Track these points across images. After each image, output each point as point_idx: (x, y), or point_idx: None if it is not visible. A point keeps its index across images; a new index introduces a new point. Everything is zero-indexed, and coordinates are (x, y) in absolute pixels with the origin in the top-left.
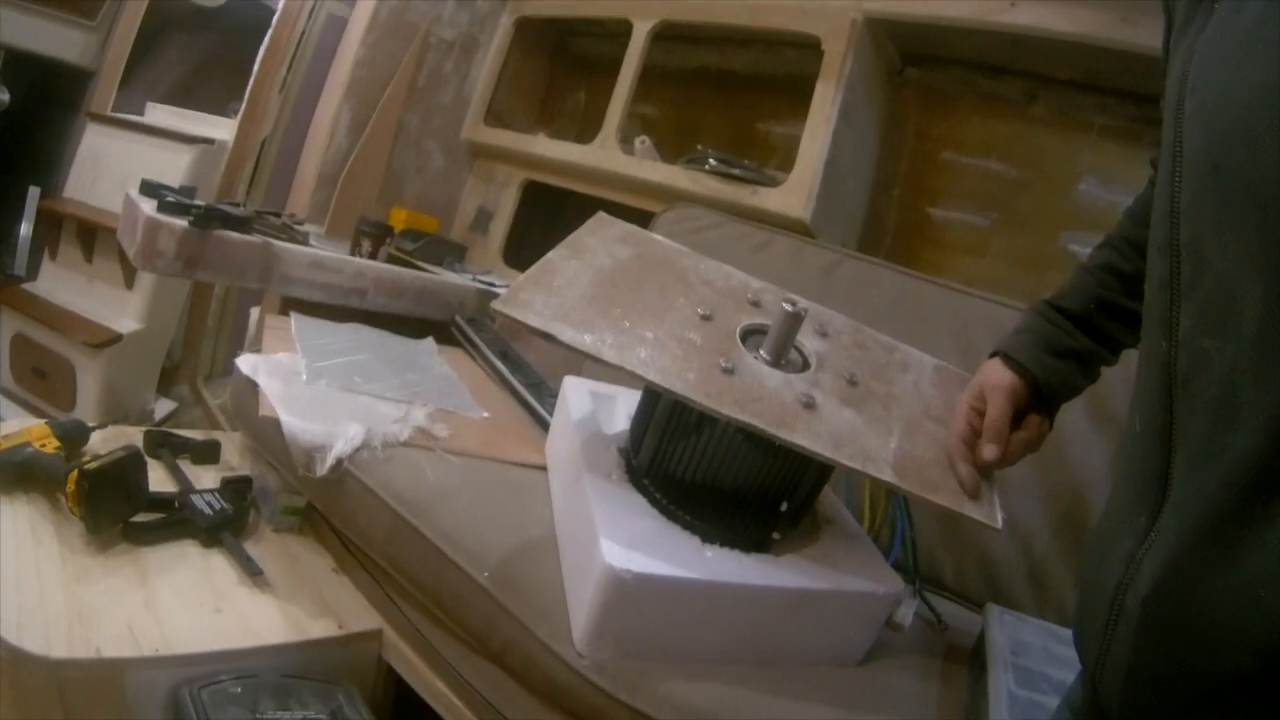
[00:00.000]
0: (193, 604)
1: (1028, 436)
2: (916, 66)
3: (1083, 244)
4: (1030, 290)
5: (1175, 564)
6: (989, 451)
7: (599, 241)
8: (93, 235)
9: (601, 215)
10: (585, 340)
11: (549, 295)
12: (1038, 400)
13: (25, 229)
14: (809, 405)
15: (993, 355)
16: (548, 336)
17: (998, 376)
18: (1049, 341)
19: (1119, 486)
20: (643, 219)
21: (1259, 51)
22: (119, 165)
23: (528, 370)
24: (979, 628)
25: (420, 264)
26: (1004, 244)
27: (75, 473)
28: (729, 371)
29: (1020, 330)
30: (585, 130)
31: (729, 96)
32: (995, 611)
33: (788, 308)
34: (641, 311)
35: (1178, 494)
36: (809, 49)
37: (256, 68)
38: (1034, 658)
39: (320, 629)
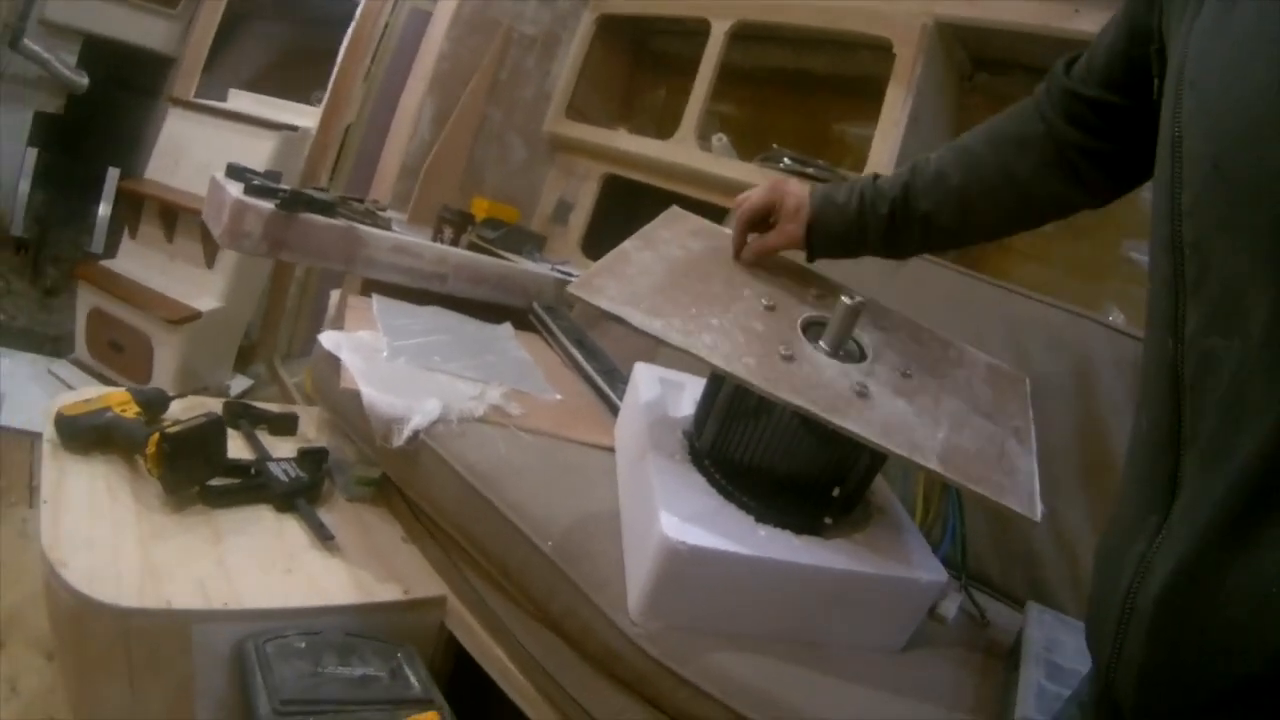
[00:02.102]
0: (264, 564)
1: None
2: (987, 72)
3: (1143, 251)
4: (1090, 297)
5: (1186, 564)
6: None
7: (672, 234)
8: (174, 216)
9: (675, 209)
10: (654, 324)
11: (621, 282)
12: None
13: (104, 208)
14: (862, 394)
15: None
16: (619, 320)
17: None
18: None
19: (1128, 486)
20: (718, 214)
21: (1261, 49)
22: (201, 150)
23: (602, 357)
24: (1020, 626)
25: (500, 252)
26: (1066, 250)
27: (156, 435)
28: (788, 359)
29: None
30: (664, 127)
31: (804, 97)
32: (1035, 610)
33: (847, 301)
34: (709, 300)
35: (1187, 494)
36: (882, 52)
37: (340, 58)
38: (1067, 655)
39: (386, 593)
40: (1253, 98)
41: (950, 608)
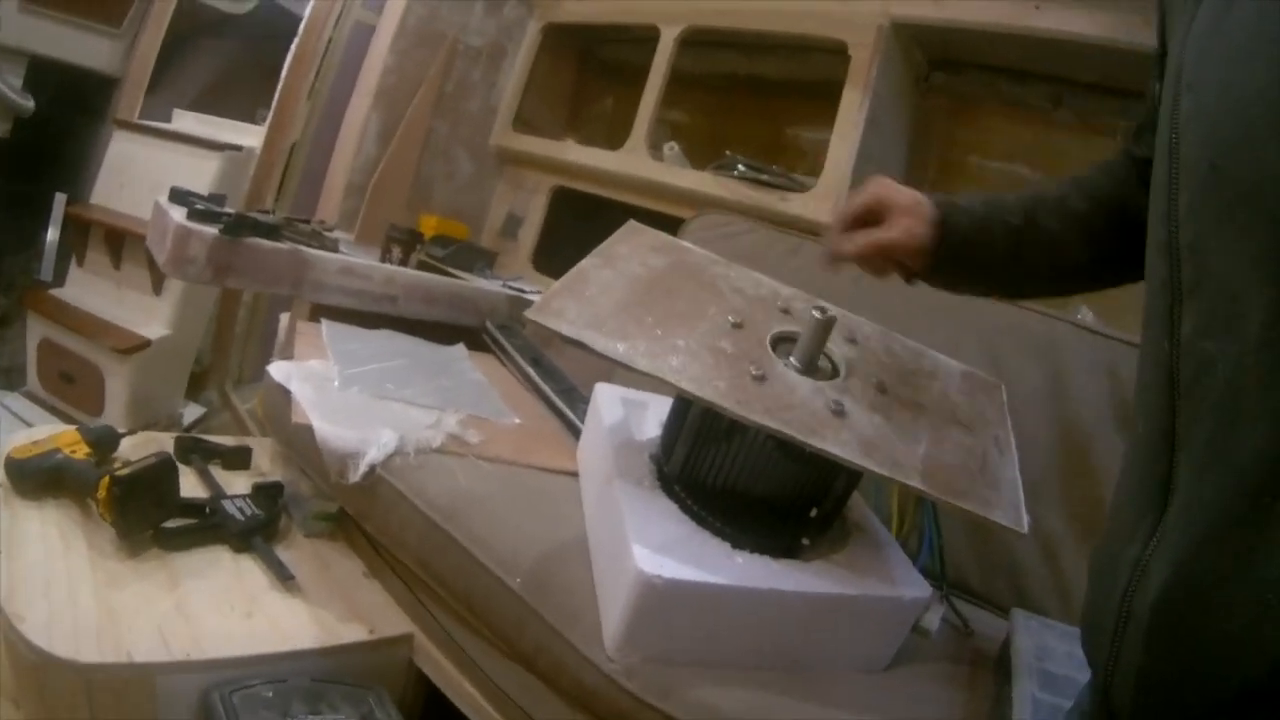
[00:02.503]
0: (224, 608)
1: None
2: (943, 72)
3: None
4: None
5: (1183, 569)
6: (847, 245)
7: (631, 250)
8: (120, 241)
9: (633, 224)
10: (618, 349)
11: (581, 304)
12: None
13: (52, 235)
14: (838, 412)
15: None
16: (581, 345)
17: (916, 221)
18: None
19: (1124, 489)
20: (671, 225)
21: (1260, 51)
22: (146, 172)
23: (559, 376)
24: (1005, 633)
25: (450, 270)
26: None
27: (107, 479)
28: (760, 379)
29: (983, 200)
30: (613, 136)
31: (758, 102)
32: (1020, 617)
33: (817, 315)
34: (673, 319)
35: (1183, 497)
36: (838, 54)
37: (284, 74)
38: (1058, 662)
39: (351, 633)
40: (1250, 99)
41: (933, 620)
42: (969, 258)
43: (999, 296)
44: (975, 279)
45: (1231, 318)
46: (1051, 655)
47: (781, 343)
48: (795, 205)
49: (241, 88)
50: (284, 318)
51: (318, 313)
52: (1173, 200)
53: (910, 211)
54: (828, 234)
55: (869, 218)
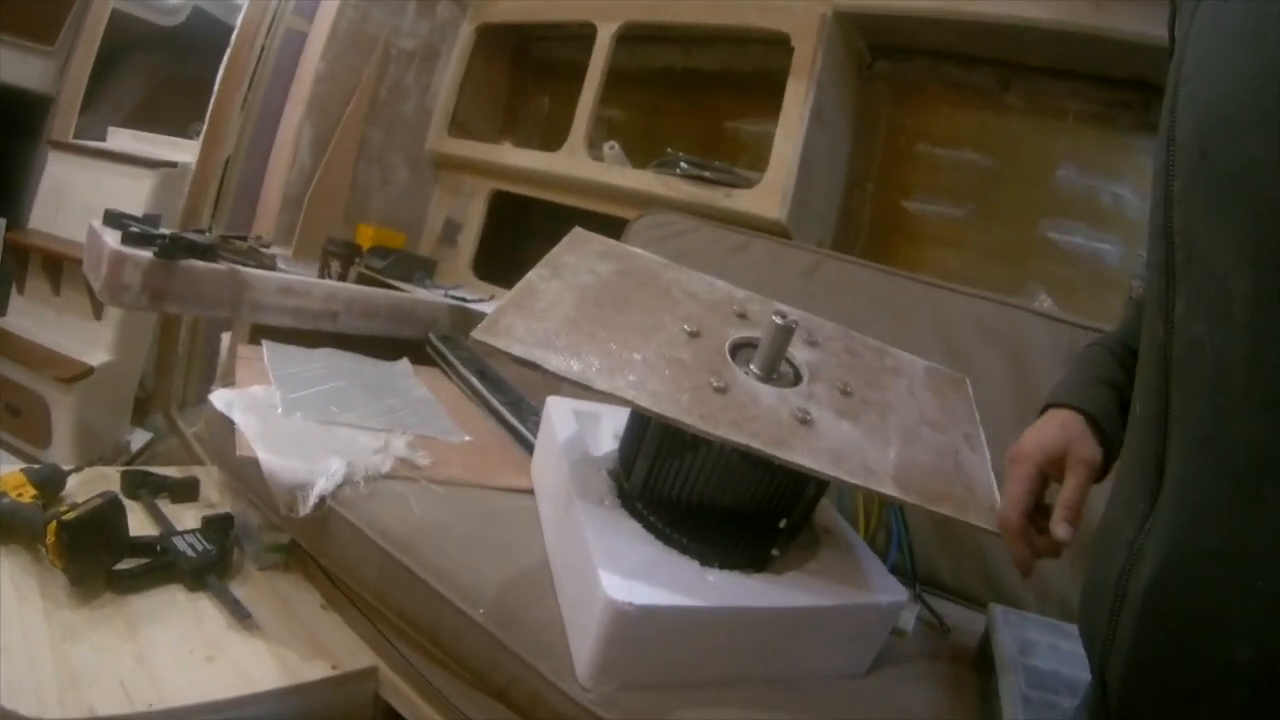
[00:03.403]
0: (183, 654)
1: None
2: (886, 59)
3: (1061, 231)
4: (1010, 281)
5: (1175, 550)
6: (1063, 531)
7: (578, 259)
8: (59, 267)
9: (579, 231)
10: (573, 368)
11: (530, 319)
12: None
13: None
14: (805, 421)
15: (1062, 405)
16: (533, 366)
17: (1088, 448)
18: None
19: (1122, 471)
20: (614, 226)
21: (1245, 38)
22: (82, 194)
23: (506, 388)
24: (981, 627)
25: (391, 282)
26: (981, 235)
27: (54, 524)
28: (721, 390)
29: (1098, 381)
30: (550, 137)
31: (696, 96)
32: (998, 611)
33: (778, 320)
34: (628, 332)
35: (1173, 478)
36: (776, 45)
37: (217, 87)
38: (1042, 656)
39: (314, 671)
40: (1236, 87)
41: (909, 619)
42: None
43: None
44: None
45: (1219, 301)
46: (1034, 649)
47: (741, 349)
48: (741, 201)
49: (175, 102)
50: (225, 337)
51: (259, 332)
52: (1169, 186)
53: (1067, 443)
54: (1012, 540)
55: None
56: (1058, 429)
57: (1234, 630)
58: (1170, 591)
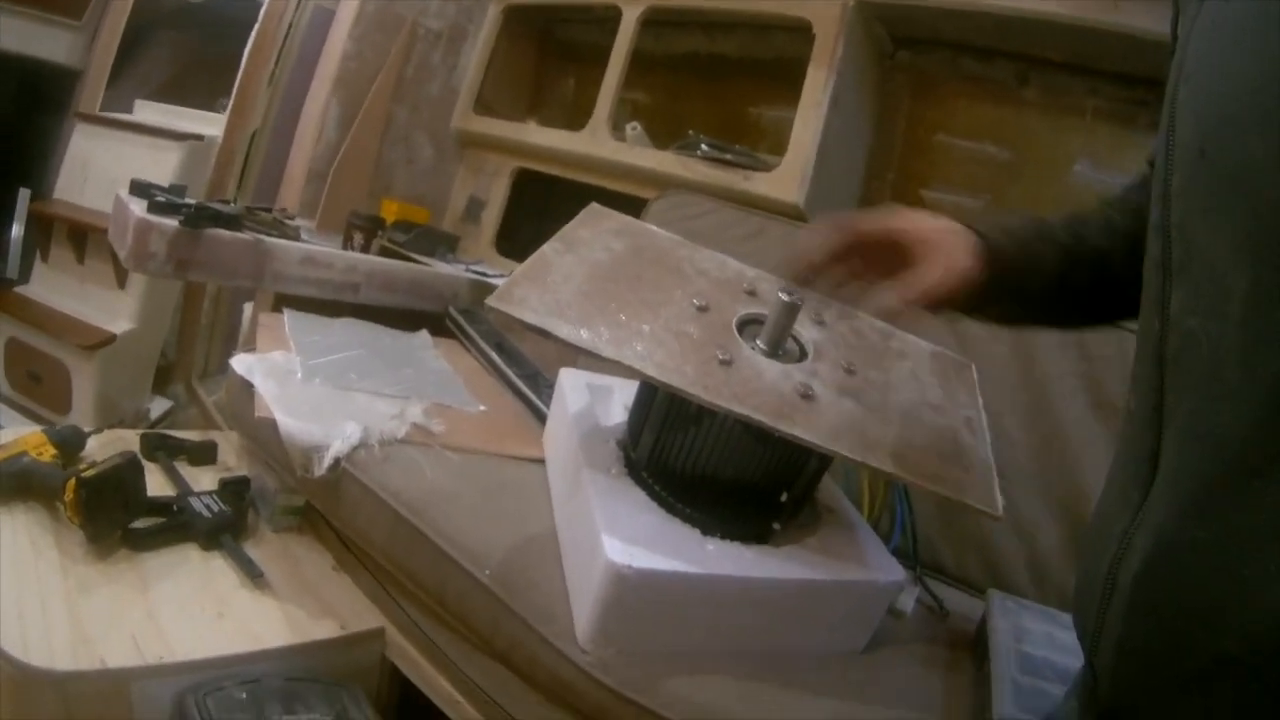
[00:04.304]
0: (194, 610)
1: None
2: (908, 50)
3: None
4: None
5: (1164, 541)
6: (889, 298)
7: (593, 234)
8: (84, 237)
9: (594, 207)
10: (582, 335)
11: (543, 291)
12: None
13: (17, 231)
14: (807, 396)
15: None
16: (544, 333)
17: (958, 253)
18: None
19: (1115, 466)
20: (635, 206)
21: (1246, 38)
22: (108, 165)
23: (523, 361)
24: (980, 613)
25: (413, 256)
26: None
27: (73, 481)
28: (726, 363)
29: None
30: (575, 117)
31: (718, 81)
32: (997, 598)
33: (784, 298)
34: (637, 305)
35: (1166, 471)
36: (798, 32)
37: (244, 61)
38: (1037, 644)
39: (322, 630)
40: (1236, 87)
41: (908, 601)
42: (1018, 287)
43: (1039, 327)
44: (1024, 311)
45: (1215, 296)
46: (1029, 637)
47: (748, 325)
48: (759, 185)
49: (203, 77)
50: (248, 308)
51: (281, 302)
52: (1167, 182)
53: (942, 245)
54: (806, 270)
55: (888, 256)
56: (935, 227)
57: (1223, 621)
58: (1160, 581)
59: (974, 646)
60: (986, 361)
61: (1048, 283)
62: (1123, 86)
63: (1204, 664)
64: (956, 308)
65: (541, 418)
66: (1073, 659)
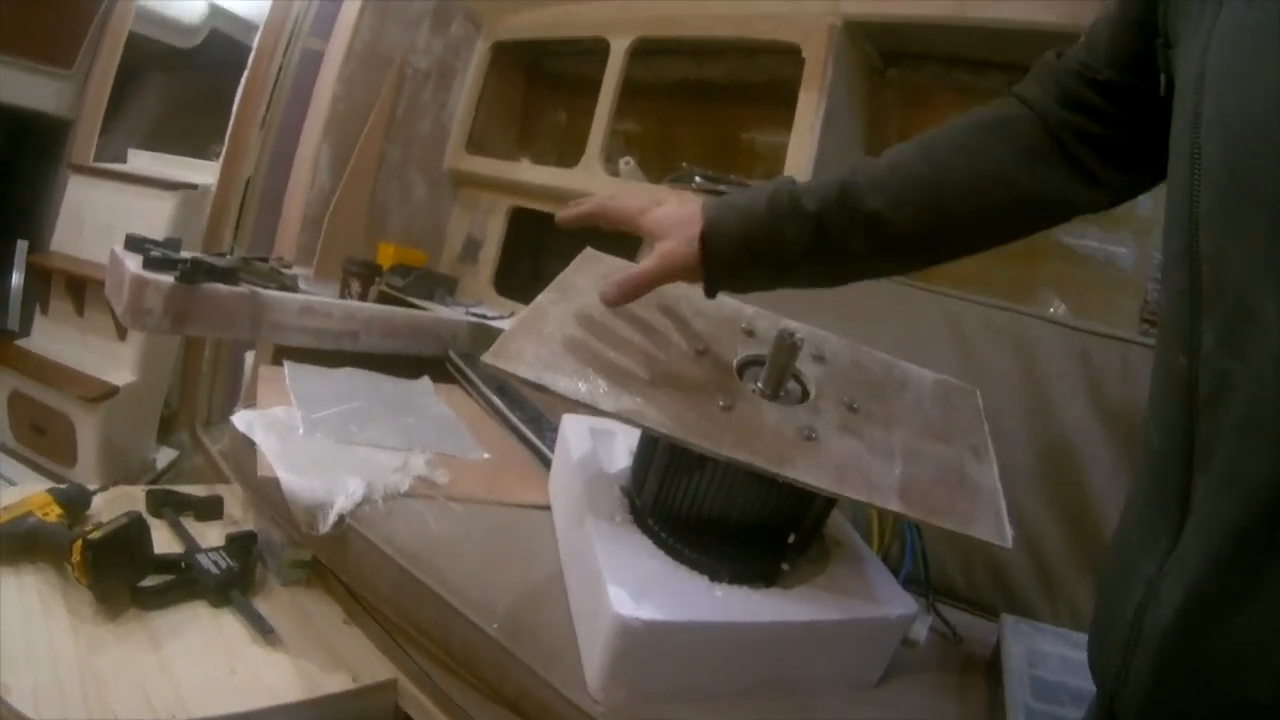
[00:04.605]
0: (206, 666)
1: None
2: (898, 66)
3: (1073, 235)
4: (1023, 284)
5: (1197, 591)
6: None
7: (588, 280)
8: (82, 288)
9: (589, 251)
10: (580, 389)
11: (539, 343)
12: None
13: (16, 281)
14: (810, 437)
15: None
16: (540, 388)
17: (676, 243)
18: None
19: (1137, 502)
20: (631, 243)
21: (1273, 52)
22: (103, 216)
23: (525, 405)
24: (994, 637)
25: (411, 300)
26: None
27: (79, 543)
28: (727, 409)
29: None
30: (567, 151)
31: (709, 107)
32: (1010, 622)
33: (784, 338)
34: (634, 351)
35: (1199, 518)
36: (787, 55)
37: (236, 107)
38: (1050, 668)
39: (335, 683)
40: (1264, 103)
41: (921, 630)
42: (751, 269)
43: (825, 285)
44: (770, 283)
45: (1250, 331)
46: (1043, 661)
47: (748, 367)
48: None
49: (194, 123)
50: (249, 355)
51: (281, 352)
52: (1194, 207)
53: (672, 231)
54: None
55: (612, 224)
56: (659, 210)
57: (1252, 670)
58: (1191, 632)
59: (988, 671)
60: (994, 381)
61: (794, 252)
62: None
63: (1234, 712)
64: (713, 288)
65: (546, 462)
66: (1087, 681)
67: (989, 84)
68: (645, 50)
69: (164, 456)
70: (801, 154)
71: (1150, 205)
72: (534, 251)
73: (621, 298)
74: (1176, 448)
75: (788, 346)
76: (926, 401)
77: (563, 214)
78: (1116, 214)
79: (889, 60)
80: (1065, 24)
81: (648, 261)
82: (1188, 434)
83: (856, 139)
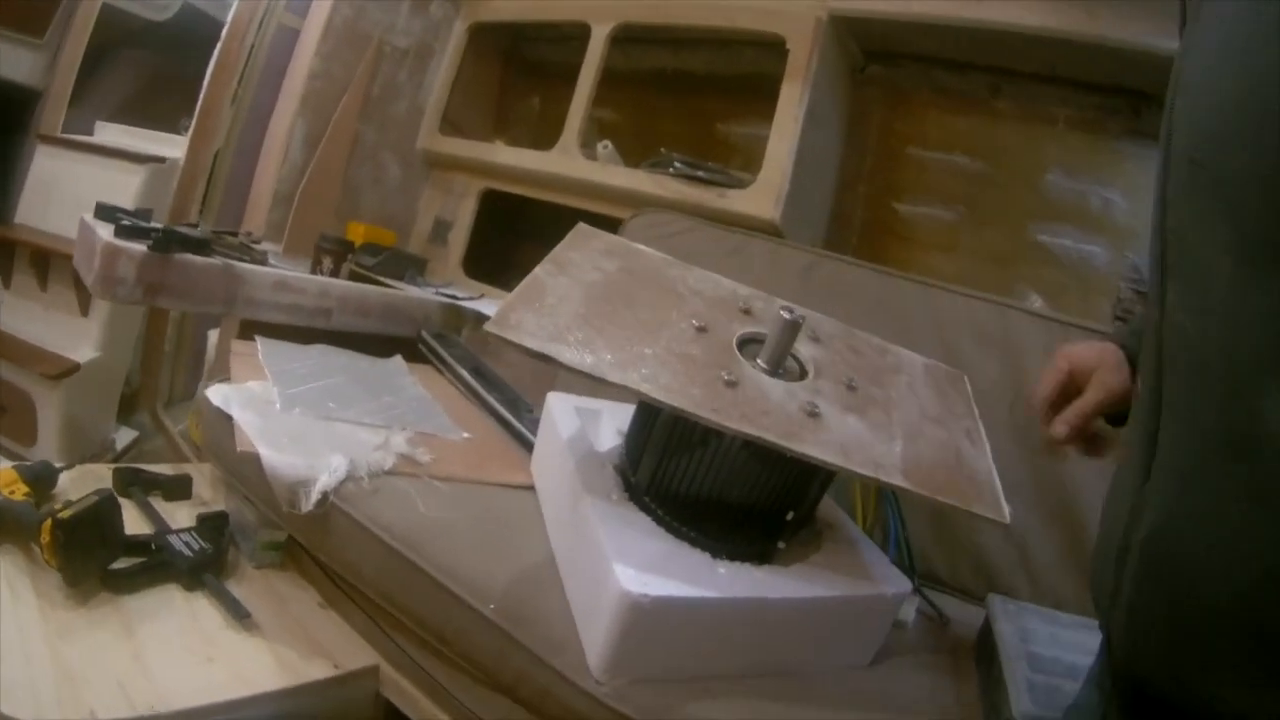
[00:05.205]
0: (182, 654)
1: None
2: (879, 64)
3: (1051, 235)
4: (1000, 283)
5: (1166, 510)
6: (1059, 428)
7: (583, 255)
8: (46, 262)
9: (582, 227)
10: (586, 361)
11: (541, 315)
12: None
13: None
14: (814, 414)
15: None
16: (546, 358)
17: (1113, 376)
18: None
19: (1129, 441)
20: (608, 225)
21: (1235, 56)
22: (70, 188)
23: (502, 386)
24: (979, 620)
25: (382, 279)
26: (972, 238)
27: (49, 523)
28: (732, 384)
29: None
30: (541, 136)
31: (687, 98)
32: (997, 602)
33: (785, 316)
34: (637, 327)
35: (1164, 449)
36: (767, 48)
37: (206, 82)
38: (1042, 643)
39: (315, 670)
40: (1223, 101)
41: (909, 612)
42: None
43: None
44: None
45: (1201, 294)
46: (1034, 637)
47: (747, 345)
48: (735, 202)
49: (164, 97)
50: (212, 335)
51: (248, 329)
52: (1163, 187)
53: (1100, 364)
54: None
55: (1070, 391)
56: (1096, 350)
57: (1215, 578)
58: (1163, 545)
59: (977, 651)
60: (975, 372)
61: None
62: (1095, 95)
63: (1201, 615)
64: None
65: (525, 443)
66: (1079, 655)
67: (969, 85)
68: (624, 38)
69: (124, 436)
70: (783, 147)
71: (1126, 209)
72: (504, 235)
73: (1075, 433)
74: (1150, 390)
75: (790, 324)
76: (920, 385)
77: (1056, 431)
78: (1093, 216)
79: (870, 57)
80: (1046, 28)
81: (1090, 395)
82: (1157, 377)
83: (836, 133)
